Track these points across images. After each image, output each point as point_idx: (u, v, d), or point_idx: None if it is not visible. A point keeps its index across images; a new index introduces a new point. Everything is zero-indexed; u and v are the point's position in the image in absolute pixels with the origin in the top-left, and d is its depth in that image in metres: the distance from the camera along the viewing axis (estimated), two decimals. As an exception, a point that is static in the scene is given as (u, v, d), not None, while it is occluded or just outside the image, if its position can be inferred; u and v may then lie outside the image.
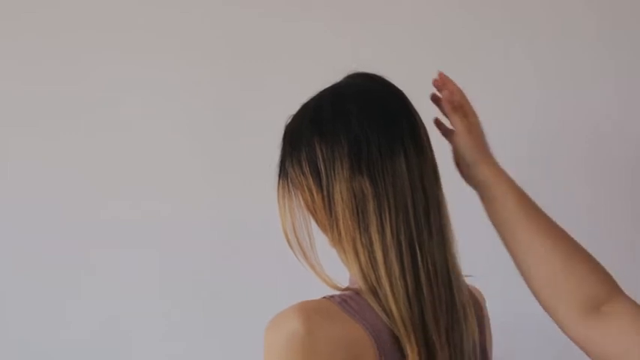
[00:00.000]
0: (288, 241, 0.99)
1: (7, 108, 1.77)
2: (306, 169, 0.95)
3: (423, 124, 1.00)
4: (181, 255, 1.73)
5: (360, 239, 0.91)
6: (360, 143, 0.93)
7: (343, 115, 0.95)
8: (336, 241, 0.95)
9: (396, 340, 0.89)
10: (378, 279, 0.90)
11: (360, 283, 0.93)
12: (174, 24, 1.72)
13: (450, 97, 1.04)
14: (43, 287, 1.76)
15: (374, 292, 0.91)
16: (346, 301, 0.90)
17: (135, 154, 1.74)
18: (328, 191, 0.93)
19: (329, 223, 0.95)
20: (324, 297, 0.91)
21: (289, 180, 1.00)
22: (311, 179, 0.95)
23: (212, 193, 1.72)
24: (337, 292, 0.92)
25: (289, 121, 1.04)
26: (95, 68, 1.74)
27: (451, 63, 1.58)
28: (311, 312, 0.87)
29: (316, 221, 0.99)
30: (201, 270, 1.73)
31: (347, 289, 0.94)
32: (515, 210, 0.96)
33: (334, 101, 0.98)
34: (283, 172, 1.02)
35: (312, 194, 0.95)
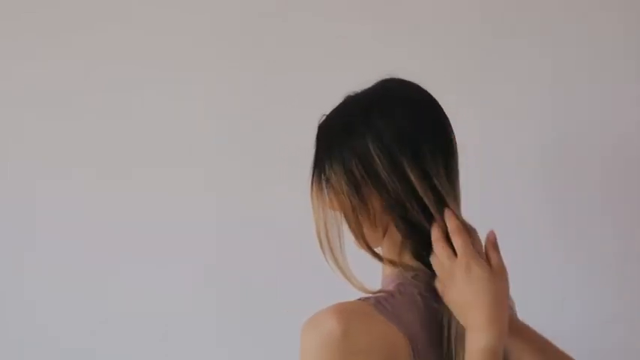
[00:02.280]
0: (320, 241, 0.98)
1: (8, 108, 1.77)
2: (352, 174, 0.94)
3: None
4: (182, 255, 1.73)
5: None
6: (418, 153, 0.93)
7: (395, 122, 0.94)
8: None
9: (432, 341, 0.90)
10: None
11: None
12: (181, 25, 1.72)
13: None
14: (43, 287, 1.76)
15: None
16: (380, 303, 0.91)
17: (137, 155, 1.74)
18: (386, 185, 0.93)
19: (371, 227, 0.95)
20: (359, 299, 0.92)
21: (326, 180, 0.98)
22: (353, 186, 0.94)
23: (212, 193, 1.73)
24: (371, 295, 0.93)
25: (327, 119, 1.02)
26: (100, 69, 1.74)
27: (466, 63, 1.60)
28: (347, 313, 0.87)
29: (351, 224, 0.98)
30: (202, 270, 1.73)
31: (380, 291, 0.95)
32: None
33: (383, 106, 0.96)
34: (319, 171, 1.00)
35: (352, 200, 0.94)
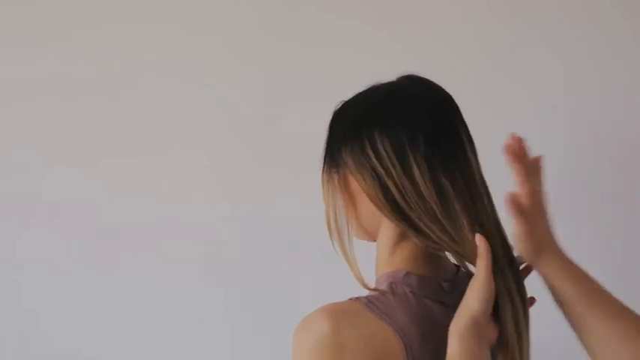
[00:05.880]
0: (329, 226, 1.00)
1: (8, 107, 1.78)
2: (370, 159, 0.94)
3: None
4: (181, 255, 1.74)
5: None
6: (430, 141, 0.93)
7: (411, 112, 0.94)
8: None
9: (426, 338, 0.90)
10: None
11: None
12: (182, 25, 1.73)
13: (516, 200, 0.94)
14: (45, 288, 1.77)
15: None
16: (372, 302, 0.91)
17: (137, 154, 1.75)
18: (395, 182, 0.92)
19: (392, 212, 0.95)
20: (350, 298, 0.92)
21: (340, 166, 0.98)
22: (371, 170, 0.94)
23: (217, 193, 1.74)
24: (363, 294, 0.93)
25: (342, 107, 1.02)
26: (101, 68, 1.74)
27: (479, 66, 1.60)
28: (338, 313, 0.88)
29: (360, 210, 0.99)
30: (200, 270, 1.74)
31: (375, 289, 0.95)
32: (582, 311, 0.92)
33: (396, 97, 0.96)
34: (331, 157, 1.00)
35: (377, 184, 0.94)
